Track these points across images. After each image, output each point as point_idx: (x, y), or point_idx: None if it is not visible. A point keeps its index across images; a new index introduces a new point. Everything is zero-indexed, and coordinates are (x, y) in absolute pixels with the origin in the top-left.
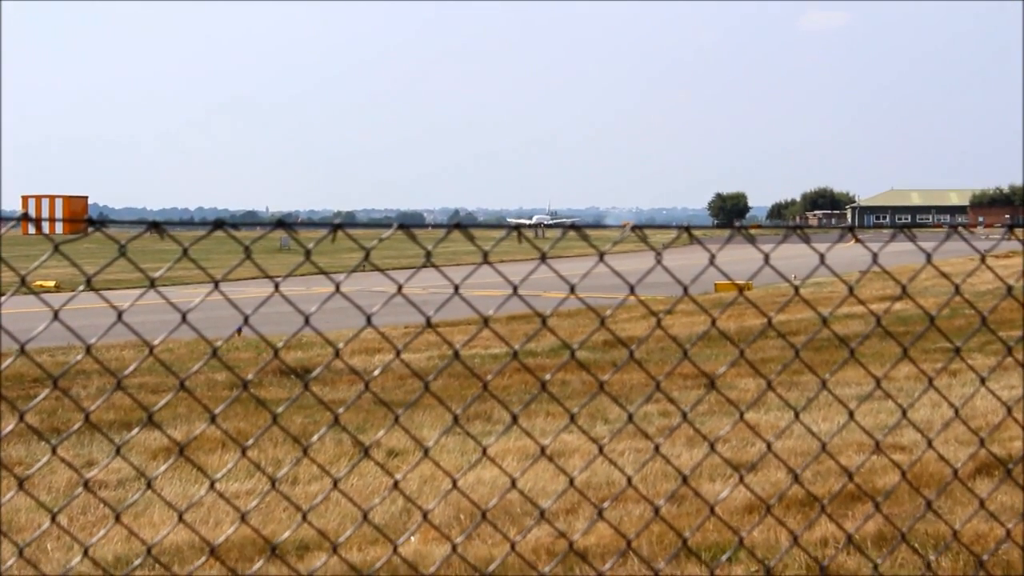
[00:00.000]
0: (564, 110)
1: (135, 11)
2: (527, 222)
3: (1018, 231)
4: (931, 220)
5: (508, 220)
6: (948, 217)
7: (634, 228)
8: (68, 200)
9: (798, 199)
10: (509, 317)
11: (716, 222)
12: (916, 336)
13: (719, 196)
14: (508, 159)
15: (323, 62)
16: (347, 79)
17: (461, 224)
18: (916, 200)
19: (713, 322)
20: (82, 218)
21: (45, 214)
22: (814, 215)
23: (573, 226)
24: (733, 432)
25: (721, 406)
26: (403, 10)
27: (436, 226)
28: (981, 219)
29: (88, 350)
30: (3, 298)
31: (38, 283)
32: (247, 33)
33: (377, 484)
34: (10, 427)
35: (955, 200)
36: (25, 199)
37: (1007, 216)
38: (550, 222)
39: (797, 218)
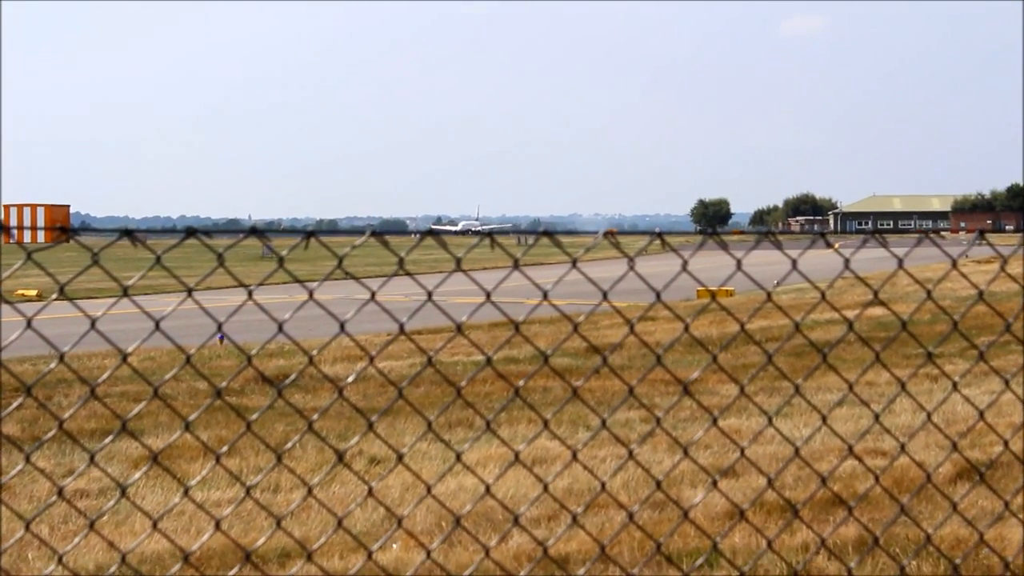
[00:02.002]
0: (546, 116)
1: (118, 17)
2: (451, 228)
3: (991, 236)
4: (913, 226)
5: (432, 226)
6: (930, 223)
7: (607, 235)
8: (50, 209)
9: (780, 205)
10: (491, 324)
11: (699, 228)
12: (888, 341)
13: (701, 203)
14: (489, 166)
15: (308, 69)
16: (332, 85)
17: (434, 231)
18: (898, 206)
19: (686, 328)
20: (58, 227)
21: (27, 222)
22: (796, 221)
23: (546, 232)
24: (714, 438)
25: (704, 412)
26: (387, 15)
27: (409, 233)
28: (963, 224)
29: (61, 358)
30: None
31: (20, 292)
32: (232, 39)
33: (359, 491)
34: None
35: (937, 206)
36: (7, 208)
37: (988, 222)
38: (479, 228)
39: (779, 224)
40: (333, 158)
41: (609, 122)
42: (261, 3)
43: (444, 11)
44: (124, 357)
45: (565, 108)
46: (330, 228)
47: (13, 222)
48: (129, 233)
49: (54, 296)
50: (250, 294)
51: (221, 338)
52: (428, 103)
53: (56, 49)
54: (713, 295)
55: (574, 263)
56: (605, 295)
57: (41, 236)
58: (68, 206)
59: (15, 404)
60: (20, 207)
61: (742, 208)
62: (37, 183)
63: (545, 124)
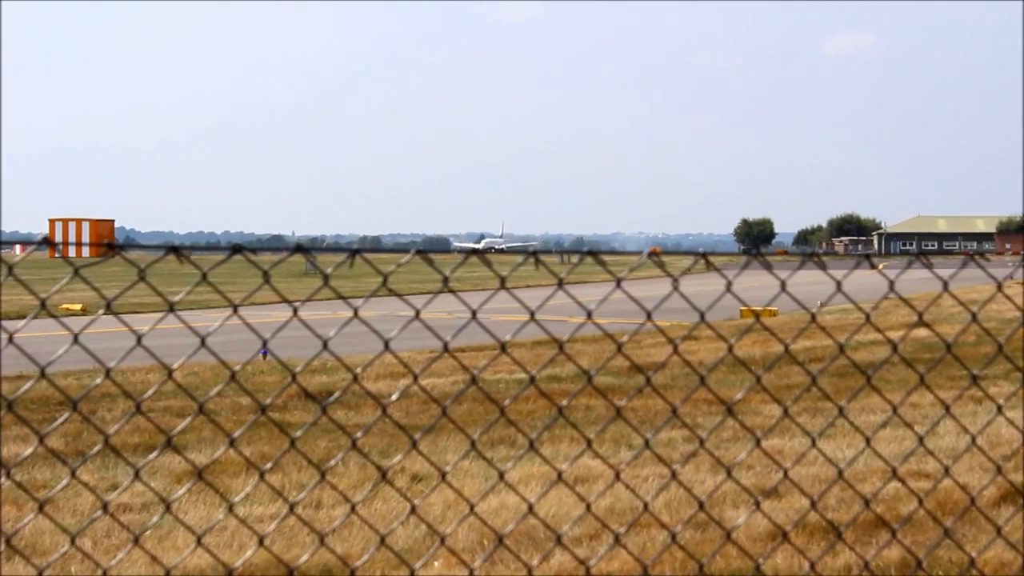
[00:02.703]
0: (591, 136)
1: (164, 28)
2: (475, 246)
3: None
4: (958, 247)
5: (455, 245)
6: (975, 244)
7: (651, 255)
8: (95, 223)
9: (824, 225)
10: (534, 342)
11: (742, 248)
12: (933, 363)
13: (745, 222)
14: (534, 184)
15: (354, 83)
16: (374, 100)
17: (477, 250)
18: (943, 227)
19: (730, 348)
20: (105, 242)
21: (72, 237)
22: (840, 241)
23: (591, 252)
24: (758, 458)
25: (746, 432)
26: (431, 29)
27: (461, 251)
28: (1008, 246)
29: (107, 373)
30: (23, 322)
31: (65, 306)
32: (277, 53)
33: (401, 508)
34: (30, 450)
35: (982, 227)
36: (52, 222)
37: None
38: (503, 246)
39: (823, 244)
40: (375, 174)
41: (653, 140)
42: (306, 16)
43: (489, 19)
44: (169, 373)
45: (609, 126)
46: (374, 246)
47: (58, 236)
48: (175, 250)
49: (101, 312)
50: (295, 311)
51: (264, 354)
52: (472, 118)
53: (98, 58)
54: (757, 316)
55: (618, 283)
56: (649, 315)
57: (86, 251)
58: (112, 221)
59: (61, 419)
60: (65, 221)
61: (786, 228)
62: (81, 197)
63: (588, 145)
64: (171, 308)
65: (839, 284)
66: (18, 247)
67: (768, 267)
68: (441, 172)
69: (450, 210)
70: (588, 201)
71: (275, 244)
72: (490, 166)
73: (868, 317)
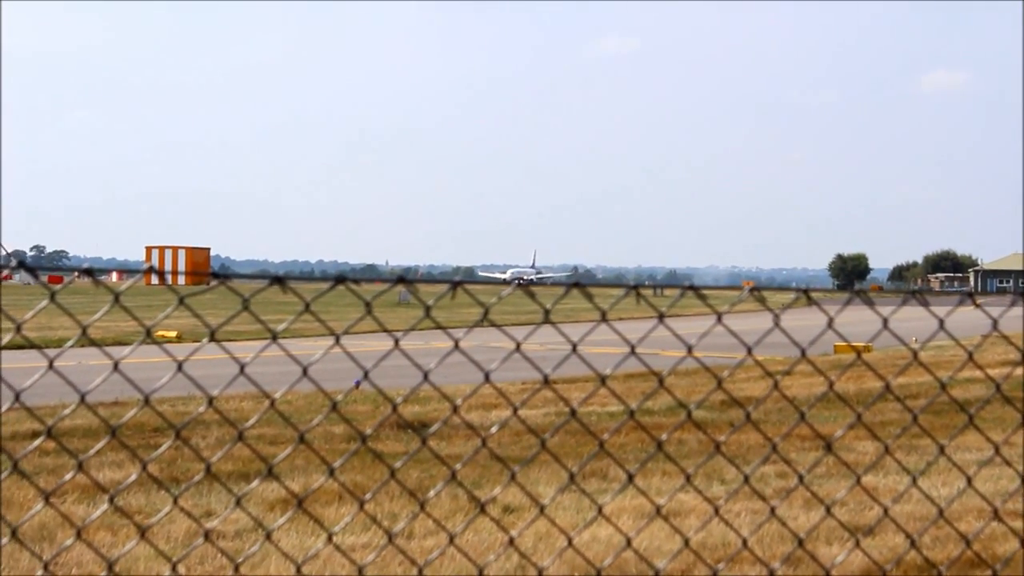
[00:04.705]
0: (683, 170)
1: (249, 64)
2: (501, 276)
3: None
4: None
5: (479, 275)
6: None
7: (752, 290)
8: (191, 251)
9: (920, 261)
10: (626, 375)
11: (836, 283)
12: None
13: (839, 257)
14: (626, 215)
15: (446, 117)
16: (468, 135)
17: (579, 283)
18: None
19: (831, 385)
20: (206, 271)
21: (168, 265)
22: (936, 278)
23: (692, 287)
24: (850, 495)
25: (838, 468)
26: (532, 58)
27: (556, 283)
28: None
29: (210, 402)
30: (129, 349)
31: (160, 333)
32: (362, 88)
33: (492, 540)
34: (132, 477)
35: None
36: (148, 249)
37: None
38: (532, 277)
39: (919, 281)
40: (467, 205)
41: (746, 174)
42: (400, 52)
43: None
44: (272, 402)
45: (701, 159)
46: (468, 277)
47: (154, 263)
48: (279, 280)
49: (205, 340)
50: (396, 342)
51: (357, 383)
52: (565, 151)
53: (188, 99)
54: (859, 352)
55: (719, 318)
56: (750, 350)
57: (181, 278)
58: (208, 249)
59: (164, 446)
60: (161, 249)
61: (881, 264)
62: (175, 225)
63: (681, 176)
64: (274, 337)
65: (942, 322)
66: (115, 274)
67: (870, 303)
68: (535, 204)
69: (542, 242)
70: (680, 234)
71: (369, 274)
72: (582, 198)
73: (971, 355)
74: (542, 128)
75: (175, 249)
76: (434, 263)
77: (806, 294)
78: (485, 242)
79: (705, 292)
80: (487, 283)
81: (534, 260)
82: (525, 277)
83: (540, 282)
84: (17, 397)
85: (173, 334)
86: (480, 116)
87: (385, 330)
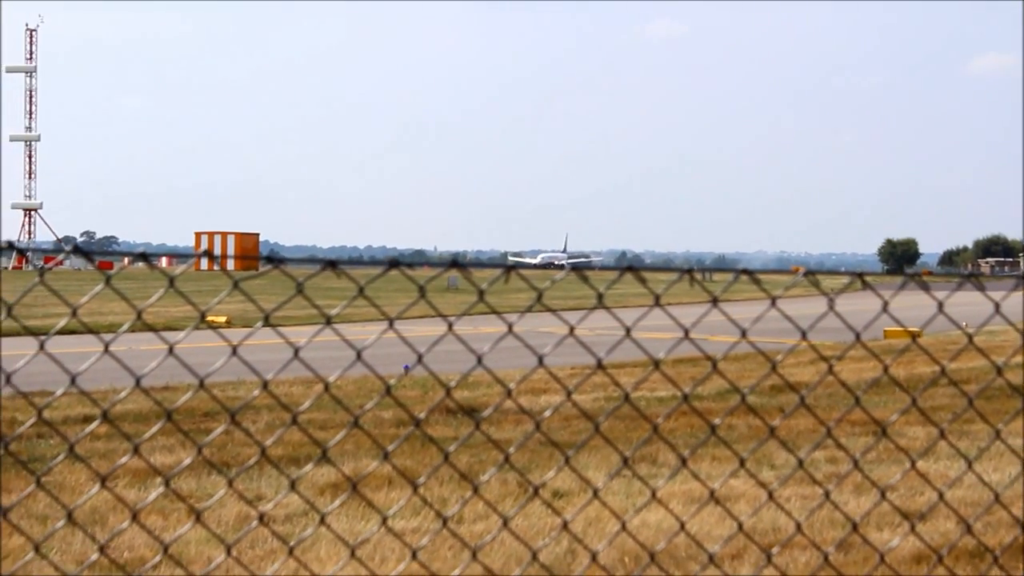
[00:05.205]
0: (730, 154)
1: (298, 55)
2: (531, 261)
3: None
4: None
5: (509, 259)
6: None
7: (806, 274)
8: (240, 236)
9: (970, 246)
10: (674, 360)
11: (886, 268)
12: None
13: (889, 242)
14: (676, 198)
15: (491, 101)
16: (513, 119)
17: (632, 267)
18: None
19: (885, 369)
20: (256, 255)
21: (217, 250)
22: (986, 262)
23: (746, 271)
24: (900, 481)
25: (889, 454)
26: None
27: (604, 268)
28: None
29: (265, 385)
30: (183, 333)
31: (210, 318)
32: (409, 74)
33: (541, 525)
34: (187, 461)
35: None
36: (198, 235)
37: None
38: (563, 262)
39: (969, 265)
40: (513, 190)
41: (795, 159)
42: (445, 37)
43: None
44: (326, 386)
45: (749, 143)
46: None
47: (203, 250)
48: (333, 264)
49: (259, 324)
50: (450, 326)
51: (407, 368)
52: (610, 134)
53: (237, 89)
54: (914, 337)
55: (773, 301)
56: (804, 334)
57: (230, 263)
58: (257, 234)
59: (219, 430)
60: (211, 234)
61: (930, 248)
62: (224, 210)
63: (728, 159)
64: (328, 321)
65: (997, 306)
66: (164, 259)
67: (925, 288)
68: (580, 188)
69: (589, 229)
70: (727, 219)
71: (418, 259)
72: (628, 182)
73: None
74: (589, 113)
75: (224, 235)
76: (482, 248)
77: (861, 278)
78: (530, 227)
79: (759, 276)
80: (521, 268)
81: (565, 244)
82: (556, 262)
83: (588, 266)
84: (73, 380)
85: (223, 319)
86: (527, 101)
87: (440, 315)
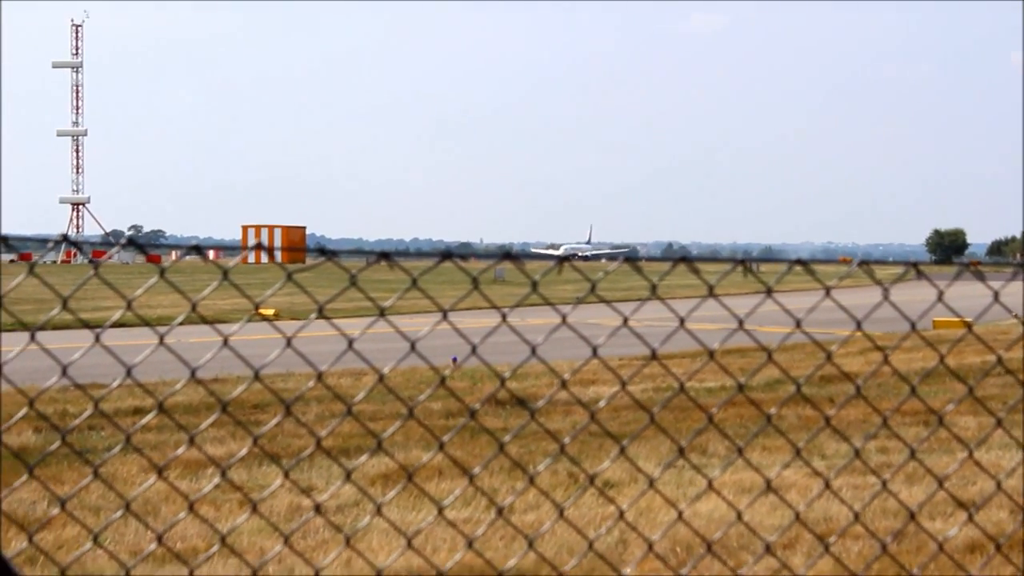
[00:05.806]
0: (776, 146)
1: (343, 49)
2: (553, 252)
3: None
4: None
5: (531, 251)
6: None
7: (860, 264)
8: (287, 229)
9: (1018, 236)
10: (724, 351)
11: (934, 259)
12: None
13: (937, 232)
14: (720, 190)
15: (531, 95)
16: (554, 113)
17: (685, 258)
18: None
19: (941, 359)
20: (304, 248)
21: (264, 243)
22: None
23: (799, 261)
24: (953, 470)
25: (941, 443)
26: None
27: (650, 259)
28: None
29: (319, 377)
30: (237, 326)
31: (260, 311)
32: (452, 68)
33: (592, 515)
34: (243, 451)
35: None
36: (245, 228)
37: None
38: (588, 253)
39: (1017, 255)
40: (555, 182)
41: (842, 148)
42: (488, 29)
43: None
44: (380, 377)
45: (794, 133)
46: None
47: (250, 243)
48: (386, 256)
49: (313, 316)
50: (504, 317)
51: (455, 360)
52: (652, 126)
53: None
54: (969, 325)
55: (827, 291)
56: (859, 324)
57: (278, 256)
58: (304, 227)
59: (273, 422)
60: (258, 228)
61: (979, 239)
62: (269, 202)
63: (774, 152)
64: (382, 313)
65: None
66: (212, 252)
67: (981, 277)
68: (625, 179)
69: (634, 220)
70: (772, 209)
71: (465, 251)
72: (672, 173)
73: None
74: (630, 104)
75: (271, 228)
76: (527, 240)
77: (915, 268)
78: (578, 220)
79: (812, 267)
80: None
81: (590, 236)
82: (580, 254)
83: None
84: (129, 372)
85: (271, 312)
86: (568, 94)
87: (494, 306)
